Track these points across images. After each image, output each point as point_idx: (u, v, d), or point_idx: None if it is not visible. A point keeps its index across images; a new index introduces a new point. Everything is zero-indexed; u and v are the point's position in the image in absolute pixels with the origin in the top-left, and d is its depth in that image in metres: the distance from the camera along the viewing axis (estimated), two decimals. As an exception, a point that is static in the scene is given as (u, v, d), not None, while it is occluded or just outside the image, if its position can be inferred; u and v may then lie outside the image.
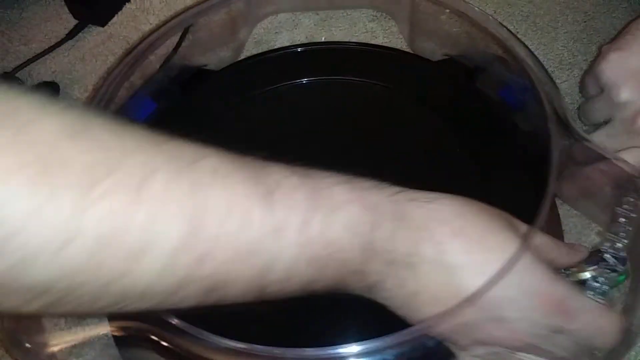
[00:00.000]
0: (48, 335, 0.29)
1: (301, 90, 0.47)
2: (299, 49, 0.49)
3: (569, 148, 0.32)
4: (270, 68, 0.49)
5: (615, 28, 0.52)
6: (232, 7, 0.49)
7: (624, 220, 0.28)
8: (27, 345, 0.29)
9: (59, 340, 0.29)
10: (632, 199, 0.28)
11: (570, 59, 0.51)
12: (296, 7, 0.55)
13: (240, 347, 0.27)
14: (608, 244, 0.28)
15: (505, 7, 0.55)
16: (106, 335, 0.31)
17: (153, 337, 0.28)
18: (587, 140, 0.32)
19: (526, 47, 0.39)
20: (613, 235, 0.28)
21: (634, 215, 0.28)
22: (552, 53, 0.51)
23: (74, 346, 0.30)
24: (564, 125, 0.33)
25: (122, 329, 0.29)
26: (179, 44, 0.48)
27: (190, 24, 0.48)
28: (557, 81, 0.47)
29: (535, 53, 0.40)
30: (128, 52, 0.45)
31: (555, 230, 0.37)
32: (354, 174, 0.28)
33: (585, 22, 0.53)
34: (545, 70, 0.38)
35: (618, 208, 0.29)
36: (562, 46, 0.52)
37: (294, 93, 0.47)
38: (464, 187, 0.29)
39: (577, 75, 0.49)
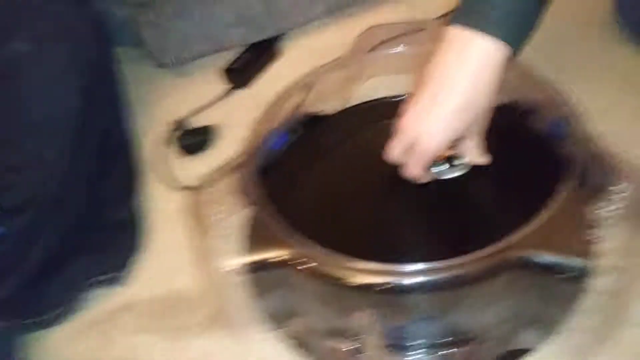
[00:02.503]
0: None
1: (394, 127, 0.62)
2: (393, 99, 0.65)
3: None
4: (371, 112, 0.65)
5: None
6: (345, 70, 0.66)
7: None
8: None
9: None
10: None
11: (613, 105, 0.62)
12: (393, 71, 0.71)
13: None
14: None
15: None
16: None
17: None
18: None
19: (561, 91, 0.52)
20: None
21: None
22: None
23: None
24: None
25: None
26: (305, 97, 0.65)
27: (312, 83, 0.65)
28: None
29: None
30: (270, 105, 0.63)
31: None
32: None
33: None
34: (576, 108, 0.50)
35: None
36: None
37: (388, 130, 0.62)
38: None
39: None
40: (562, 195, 0.41)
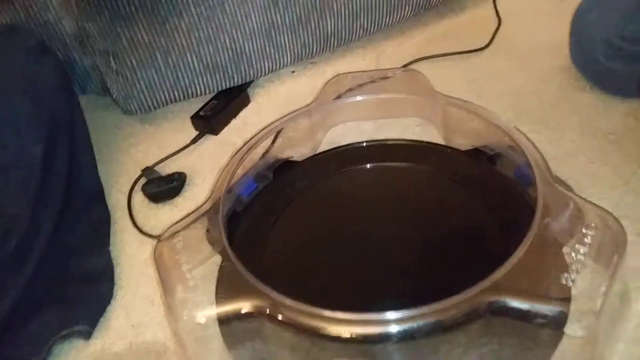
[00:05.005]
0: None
1: (364, 172, 0.63)
2: (362, 144, 0.66)
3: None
4: (339, 158, 0.65)
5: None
6: (312, 117, 0.67)
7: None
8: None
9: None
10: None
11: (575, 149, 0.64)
12: (360, 117, 0.72)
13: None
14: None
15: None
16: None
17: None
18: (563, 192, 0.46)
19: (526, 137, 0.54)
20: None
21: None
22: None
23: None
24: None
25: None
26: (272, 143, 0.66)
27: (281, 129, 0.66)
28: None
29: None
30: (237, 152, 0.63)
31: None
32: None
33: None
34: (540, 153, 0.52)
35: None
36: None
37: (358, 176, 0.63)
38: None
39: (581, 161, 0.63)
40: (529, 239, 0.42)
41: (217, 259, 0.53)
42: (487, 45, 0.85)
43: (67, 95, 0.70)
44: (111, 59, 0.76)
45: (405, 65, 0.83)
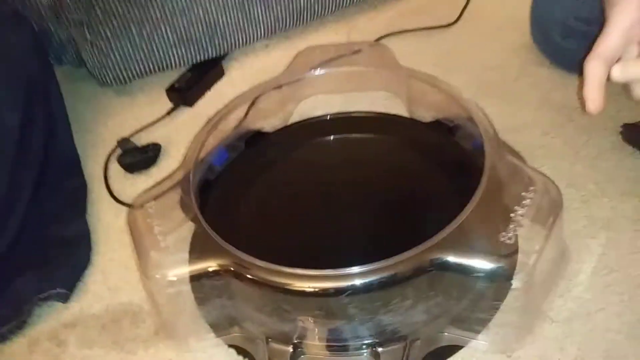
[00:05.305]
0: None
1: (330, 143, 0.66)
2: (329, 117, 0.69)
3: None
4: (308, 130, 0.68)
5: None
6: (283, 89, 0.70)
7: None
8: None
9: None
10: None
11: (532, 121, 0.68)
12: (329, 90, 0.75)
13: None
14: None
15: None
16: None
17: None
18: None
19: (482, 110, 0.57)
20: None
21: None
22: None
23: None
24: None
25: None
26: (246, 114, 0.68)
27: (253, 101, 0.68)
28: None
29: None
30: (209, 121, 0.65)
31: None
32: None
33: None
34: (492, 124, 0.55)
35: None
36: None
37: (325, 146, 0.66)
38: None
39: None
40: (473, 203, 0.45)
41: (192, 226, 0.56)
42: (455, 21, 0.88)
43: (43, 65, 0.71)
44: (85, 29, 0.77)
45: (377, 40, 0.85)
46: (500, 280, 0.44)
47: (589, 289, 0.52)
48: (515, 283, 0.44)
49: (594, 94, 0.46)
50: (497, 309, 0.49)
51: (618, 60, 0.48)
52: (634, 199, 0.58)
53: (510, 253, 0.43)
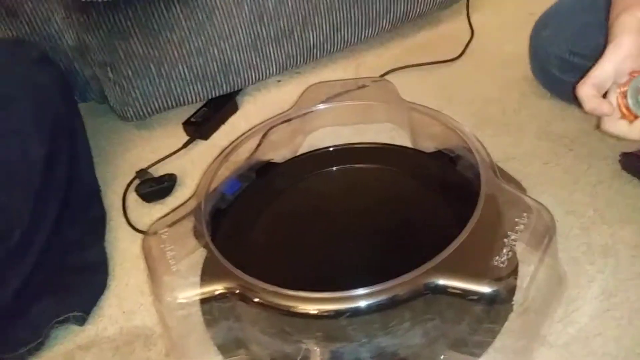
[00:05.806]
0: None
1: (337, 173, 0.69)
2: (337, 148, 0.72)
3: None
4: (316, 160, 0.71)
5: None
6: (292, 122, 0.73)
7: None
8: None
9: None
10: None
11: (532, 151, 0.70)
12: (336, 123, 0.78)
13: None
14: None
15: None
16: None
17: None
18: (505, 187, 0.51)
19: (479, 141, 0.59)
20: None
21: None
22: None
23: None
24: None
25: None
26: (258, 145, 0.71)
27: (265, 134, 0.71)
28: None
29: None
30: (221, 153, 0.69)
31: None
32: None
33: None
34: (489, 155, 0.57)
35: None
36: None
37: (332, 176, 0.69)
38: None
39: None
40: (467, 230, 0.47)
41: (204, 252, 0.58)
42: (459, 56, 0.92)
43: (68, 103, 0.76)
44: (109, 69, 0.82)
45: (382, 75, 0.89)
46: (496, 304, 0.46)
47: (588, 314, 0.53)
48: (514, 307, 0.45)
49: (596, 105, 0.50)
50: (497, 332, 0.50)
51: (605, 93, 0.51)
52: (632, 226, 0.59)
53: (504, 277, 0.45)
